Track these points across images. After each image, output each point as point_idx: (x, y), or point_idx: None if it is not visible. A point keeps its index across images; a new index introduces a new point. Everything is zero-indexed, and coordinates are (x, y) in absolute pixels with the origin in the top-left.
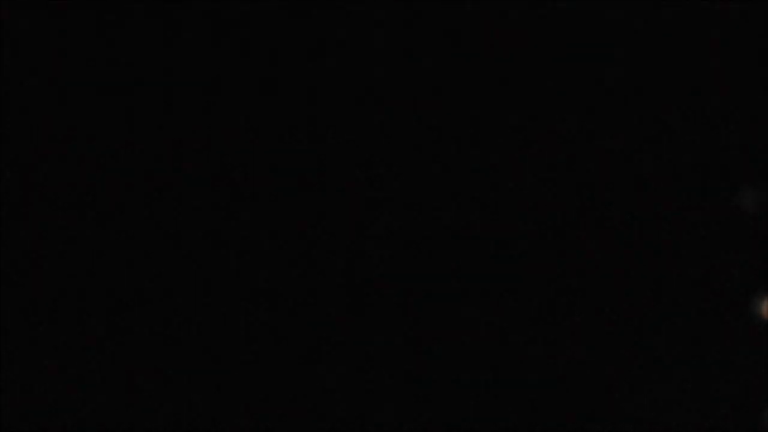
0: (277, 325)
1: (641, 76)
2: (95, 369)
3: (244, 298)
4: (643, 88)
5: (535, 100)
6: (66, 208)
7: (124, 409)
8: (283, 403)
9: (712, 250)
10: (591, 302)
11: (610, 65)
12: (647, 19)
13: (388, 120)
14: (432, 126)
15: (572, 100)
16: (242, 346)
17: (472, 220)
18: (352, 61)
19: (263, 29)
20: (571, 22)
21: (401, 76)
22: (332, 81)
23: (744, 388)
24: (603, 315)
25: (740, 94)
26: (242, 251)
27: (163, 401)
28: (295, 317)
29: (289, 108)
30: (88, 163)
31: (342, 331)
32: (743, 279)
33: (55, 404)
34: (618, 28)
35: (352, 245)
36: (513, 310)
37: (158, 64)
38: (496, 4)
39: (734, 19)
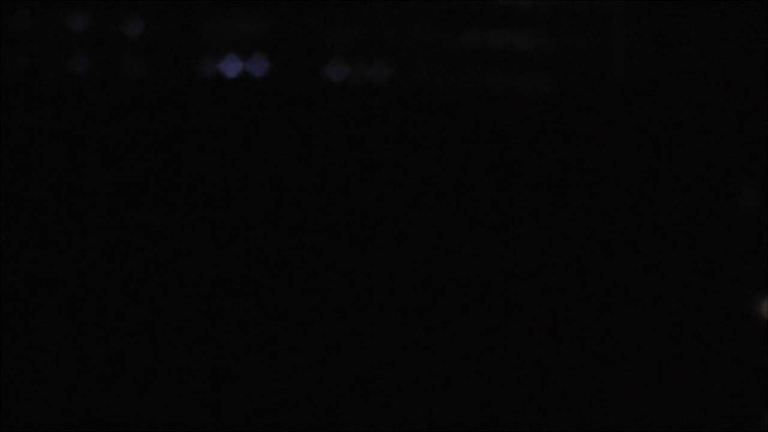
0: (273, 329)
1: (641, 78)
2: (94, 369)
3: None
4: (644, 90)
5: (535, 96)
6: (66, 209)
7: (123, 409)
8: (282, 402)
9: (712, 250)
10: (591, 302)
11: (610, 66)
12: (648, 19)
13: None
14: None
15: (573, 101)
16: (238, 348)
17: (473, 221)
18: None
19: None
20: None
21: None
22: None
23: (744, 388)
24: (603, 315)
25: (740, 94)
26: (239, 257)
27: (161, 401)
28: (292, 322)
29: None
30: (88, 161)
31: (340, 334)
32: (743, 279)
33: (55, 404)
34: (618, 27)
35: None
36: (514, 309)
37: (156, 65)
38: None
39: (735, 19)
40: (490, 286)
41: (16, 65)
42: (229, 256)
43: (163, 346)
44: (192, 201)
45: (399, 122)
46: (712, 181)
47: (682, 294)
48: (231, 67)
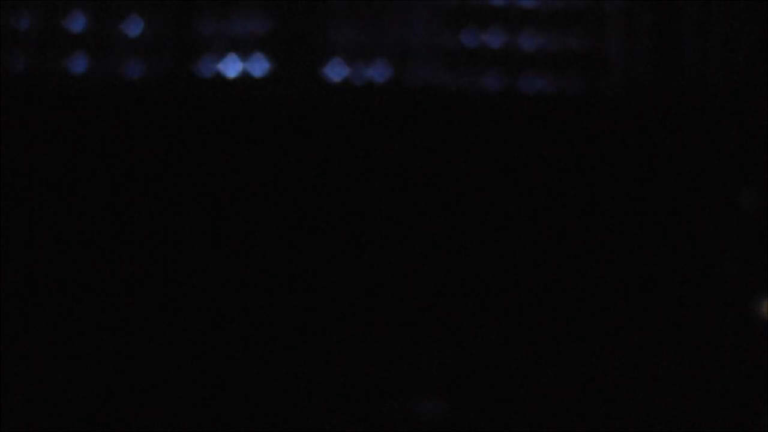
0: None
1: (642, 78)
2: (93, 370)
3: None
4: (644, 90)
5: (535, 97)
6: (65, 212)
7: (122, 410)
8: (281, 403)
9: (712, 250)
10: (591, 303)
11: (610, 66)
12: (647, 19)
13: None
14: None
15: (573, 102)
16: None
17: (473, 221)
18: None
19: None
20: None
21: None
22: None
23: (744, 388)
24: (603, 315)
25: (740, 94)
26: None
27: (162, 401)
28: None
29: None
30: (88, 162)
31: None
32: (743, 279)
33: (55, 404)
34: (618, 27)
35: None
36: (514, 310)
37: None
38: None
39: (734, 21)
40: (489, 286)
41: (15, 65)
42: (228, 256)
43: (162, 346)
44: (192, 201)
45: (399, 123)
46: (712, 181)
47: (682, 294)
48: (231, 67)
